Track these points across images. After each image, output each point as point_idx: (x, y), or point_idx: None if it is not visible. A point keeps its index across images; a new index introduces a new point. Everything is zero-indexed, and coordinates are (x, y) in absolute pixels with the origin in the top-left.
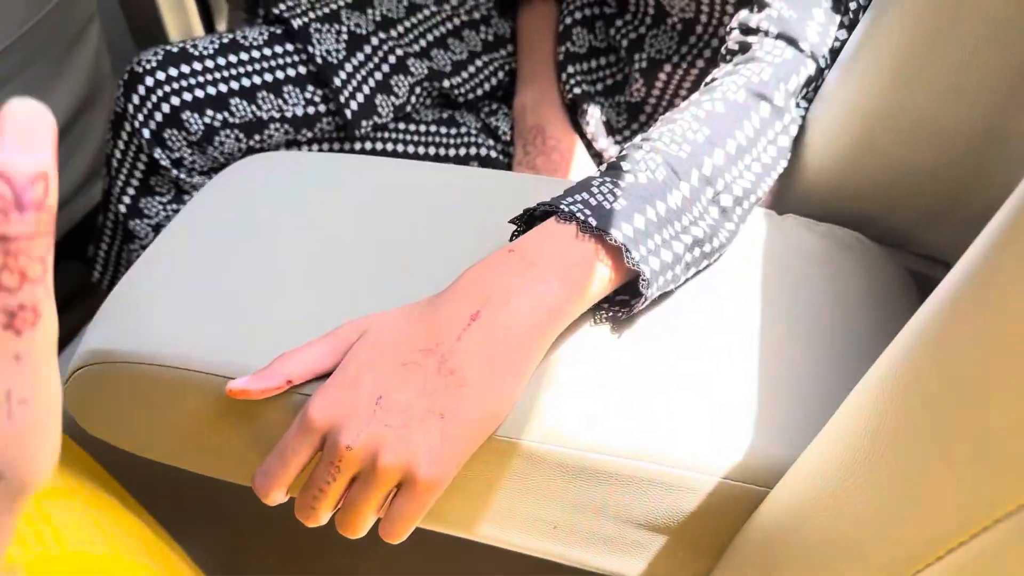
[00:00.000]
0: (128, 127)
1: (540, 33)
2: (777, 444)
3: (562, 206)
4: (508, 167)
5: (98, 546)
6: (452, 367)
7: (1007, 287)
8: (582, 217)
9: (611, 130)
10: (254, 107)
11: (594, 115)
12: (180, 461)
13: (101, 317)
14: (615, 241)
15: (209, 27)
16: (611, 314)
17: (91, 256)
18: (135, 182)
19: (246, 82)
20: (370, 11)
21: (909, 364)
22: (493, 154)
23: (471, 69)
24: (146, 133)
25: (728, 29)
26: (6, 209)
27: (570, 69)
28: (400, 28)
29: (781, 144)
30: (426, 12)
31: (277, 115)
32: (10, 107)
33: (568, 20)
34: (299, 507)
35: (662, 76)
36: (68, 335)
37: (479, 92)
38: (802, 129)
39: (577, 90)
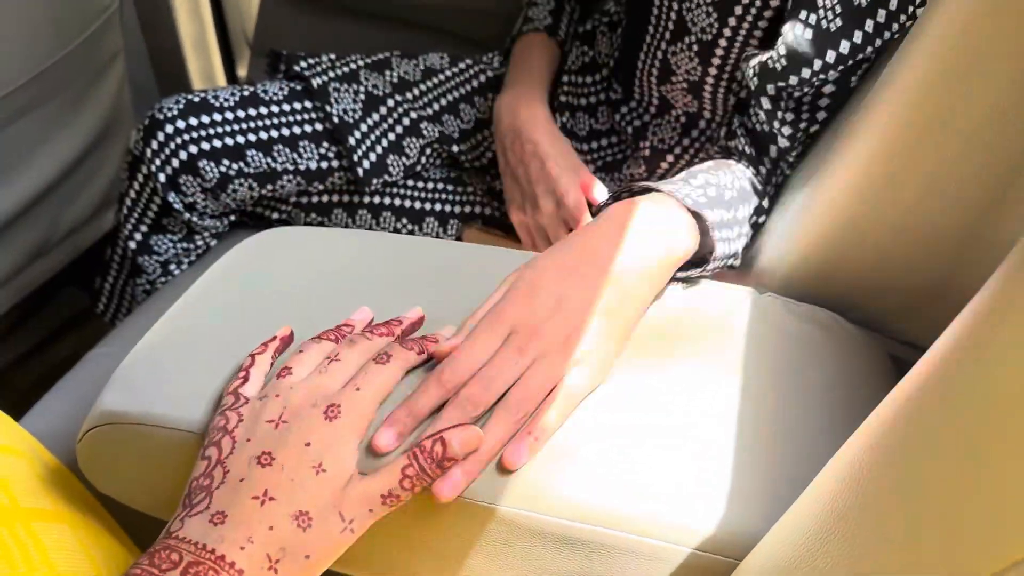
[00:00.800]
0: (144, 170)
1: (531, 52)
2: (749, 518)
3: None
4: (511, 227)
5: (86, 571)
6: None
7: (974, 378)
8: (688, 201)
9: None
10: (269, 159)
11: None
12: None
13: (116, 379)
14: (708, 221)
15: (230, 69)
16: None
17: (97, 288)
18: (148, 221)
19: (263, 135)
20: (388, 72)
21: (879, 446)
22: (497, 214)
23: (478, 137)
24: (162, 178)
25: (730, 129)
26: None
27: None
28: (416, 91)
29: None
30: (441, 77)
31: (291, 167)
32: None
33: (563, 99)
34: (475, 385)
35: (664, 164)
36: (69, 359)
37: (484, 160)
38: (792, 213)
39: None
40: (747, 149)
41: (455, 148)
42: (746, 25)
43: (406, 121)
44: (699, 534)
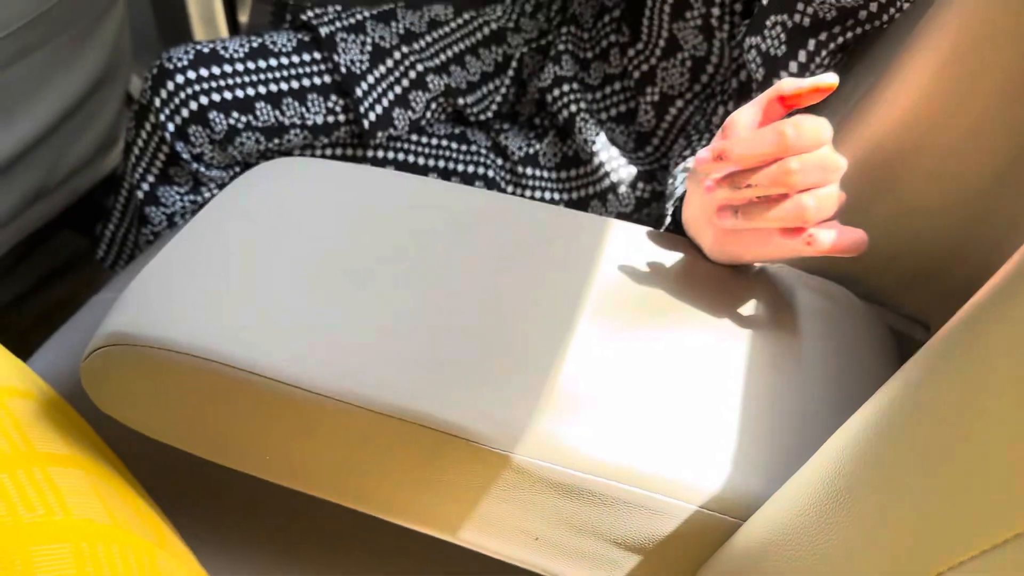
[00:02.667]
0: (152, 119)
1: None
2: (754, 480)
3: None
4: (510, 191)
5: (101, 515)
6: None
7: (980, 360)
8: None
9: (617, 150)
10: (278, 112)
11: (600, 137)
12: (189, 446)
13: (125, 300)
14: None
15: (231, 14)
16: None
17: (98, 235)
18: (155, 171)
19: (273, 88)
20: (394, 24)
21: (888, 418)
22: (497, 177)
23: (484, 90)
24: (171, 127)
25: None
26: None
27: (561, 89)
28: (422, 42)
29: None
30: (446, 28)
31: (298, 122)
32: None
33: (560, 47)
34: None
35: (672, 111)
36: (65, 301)
37: (489, 113)
38: None
39: (573, 107)
40: (758, 74)
41: (461, 101)
42: None
43: (412, 74)
44: (706, 493)
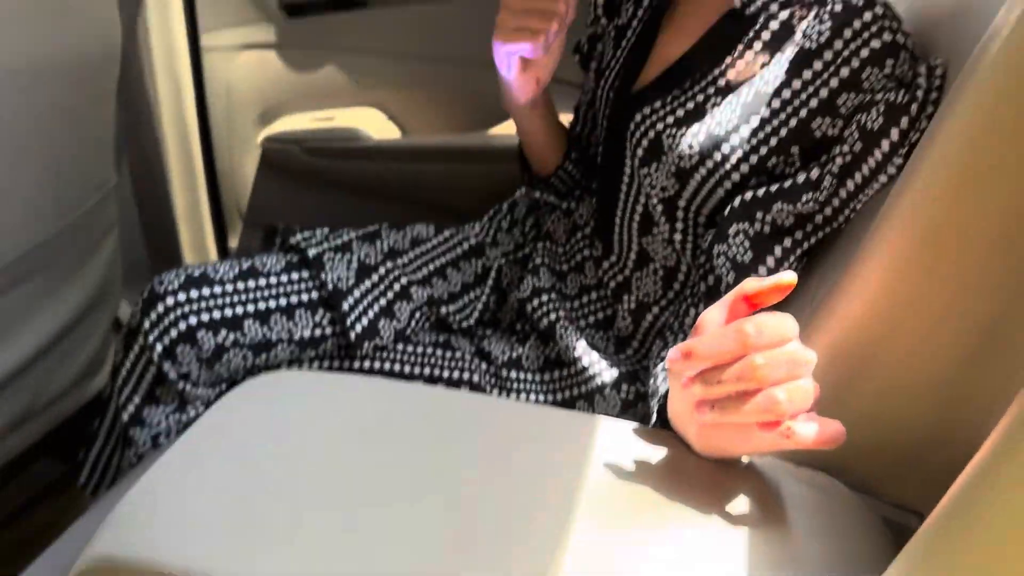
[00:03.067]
0: (141, 340)
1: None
2: None
3: None
4: (496, 395)
5: None
6: None
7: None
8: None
9: (598, 353)
10: (266, 328)
11: (581, 342)
12: None
13: (111, 522)
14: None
15: (221, 241)
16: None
17: (81, 459)
18: (142, 391)
19: (261, 306)
20: (379, 242)
21: None
22: (483, 382)
23: (465, 299)
24: (159, 347)
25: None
26: None
27: (540, 299)
28: (405, 258)
29: None
30: (428, 245)
31: (286, 337)
32: None
33: (537, 260)
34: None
35: (649, 316)
36: (43, 530)
37: (471, 320)
38: None
39: (552, 316)
40: (729, 277)
41: (443, 309)
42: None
43: (396, 287)
44: None
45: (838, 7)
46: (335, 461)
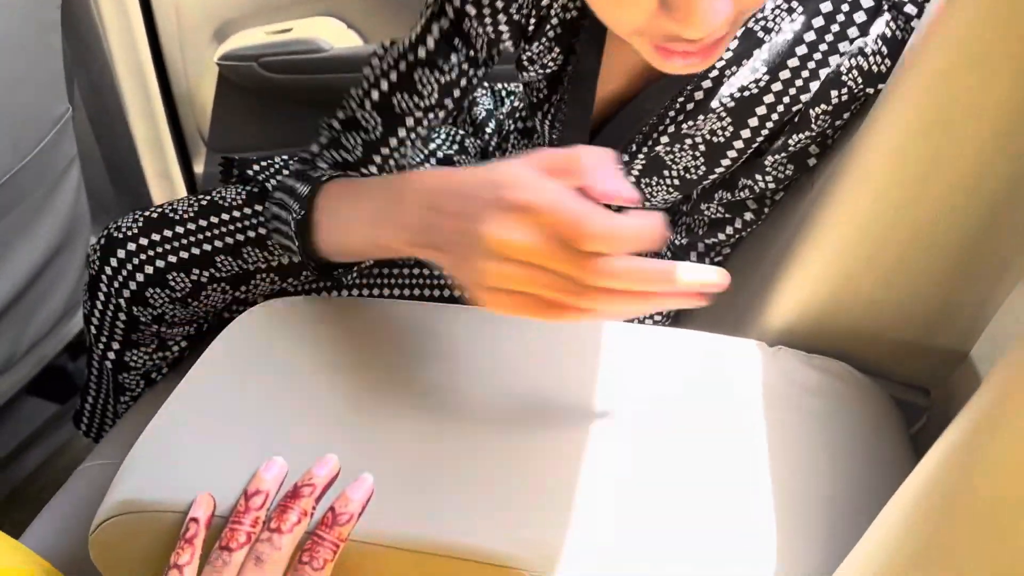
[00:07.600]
0: (105, 288)
1: None
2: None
3: None
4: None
5: None
6: None
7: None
8: None
9: None
10: (240, 261)
11: None
12: None
13: (128, 467)
14: None
15: (186, 168)
16: None
17: (79, 410)
18: (118, 338)
19: (230, 240)
20: None
21: (908, 522)
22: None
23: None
24: (126, 293)
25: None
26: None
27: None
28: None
29: None
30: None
31: (263, 265)
32: None
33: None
34: None
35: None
36: (38, 471)
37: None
38: (787, 266)
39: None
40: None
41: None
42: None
43: None
44: None
45: None
46: (343, 386)
